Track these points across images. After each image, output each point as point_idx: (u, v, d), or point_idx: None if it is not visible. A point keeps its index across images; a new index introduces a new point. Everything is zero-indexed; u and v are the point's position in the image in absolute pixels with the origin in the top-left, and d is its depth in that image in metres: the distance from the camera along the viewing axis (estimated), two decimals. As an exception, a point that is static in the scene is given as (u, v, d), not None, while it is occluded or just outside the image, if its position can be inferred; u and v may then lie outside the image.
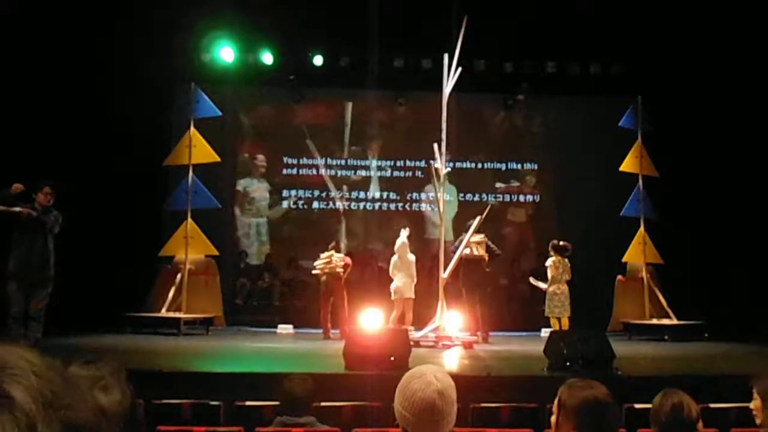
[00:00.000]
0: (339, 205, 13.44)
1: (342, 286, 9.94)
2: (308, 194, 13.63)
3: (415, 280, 9.83)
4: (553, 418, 2.45)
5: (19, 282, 6.63)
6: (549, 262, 9.38)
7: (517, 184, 13.82)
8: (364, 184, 13.72)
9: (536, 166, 13.85)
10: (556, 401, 2.42)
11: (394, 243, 10.03)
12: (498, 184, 13.73)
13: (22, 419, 0.61)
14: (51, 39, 9.59)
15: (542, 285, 9.50)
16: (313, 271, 10.14)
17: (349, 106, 13.64)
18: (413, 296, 9.71)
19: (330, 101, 13.76)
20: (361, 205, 13.65)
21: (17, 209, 6.59)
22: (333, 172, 13.63)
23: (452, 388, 2.00)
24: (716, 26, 10.40)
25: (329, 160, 13.69)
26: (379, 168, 13.71)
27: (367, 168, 13.73)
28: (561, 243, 9.41)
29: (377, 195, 13.63)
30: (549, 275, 9.37)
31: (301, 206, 13.60)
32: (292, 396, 3.81)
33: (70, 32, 9.83)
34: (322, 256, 10.04)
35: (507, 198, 13.74)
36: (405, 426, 1.98)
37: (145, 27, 10.23)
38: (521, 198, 13.80)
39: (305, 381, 3.92)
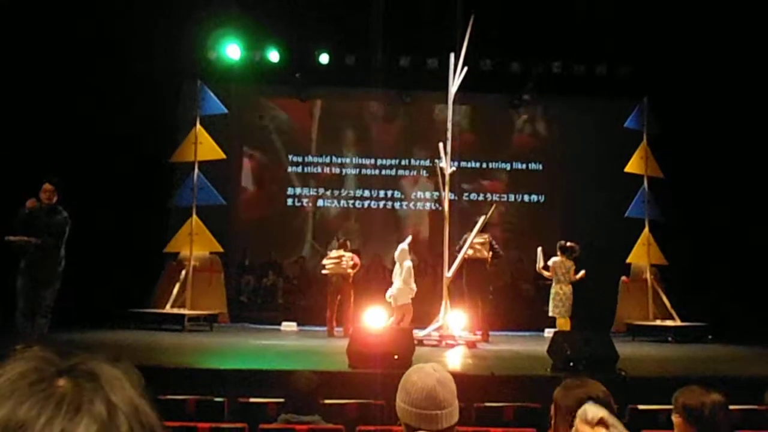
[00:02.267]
0: (305, 202, 13.45)
1: (350, 285, 9.94)
2: (312, 192, 13.67)
3: (414, 288, 9.41)
4: (552, 421, 2.44)
5: (28, 279, 6.73)
6: (550, 262, 9.36)
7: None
8: (362, 181, 13.72)
9: (541, 167, 13.84)
10: (552, 403, 2.41)
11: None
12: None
13: (123, 421, 0.64)
14: (56, 36, 9.61)
15: (546, 273, 9.41)
16: (323, 271, 10.11)
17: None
18: (408, 302, 9.36)
19: (335, 99, 13.78)
20: (365, 203, 13.67)
21: (28, 239, 6.68)
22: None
23: (451, 380, 2.01)
24: (722, 27, 10.37)
25: (334, 159, 13.73)
26: (375, 166, 13.73)
27: (363, 166, 13.76)
28: (568, 244, 9.39)
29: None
30: (548, 274, 9.36)
31: (305, 204, 13.63)
32: (298, 393, 3.80)
33: (76, 29, 9.85)
34: (332, 254, 10.00)
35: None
36: (408, 421, 1.98)
37: (151, 24, 10.25)
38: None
39: (311, 378, 3.91)
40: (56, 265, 6.78)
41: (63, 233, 6.81)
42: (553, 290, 9.30)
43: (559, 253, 9.37)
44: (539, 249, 9.46)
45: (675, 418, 2.87)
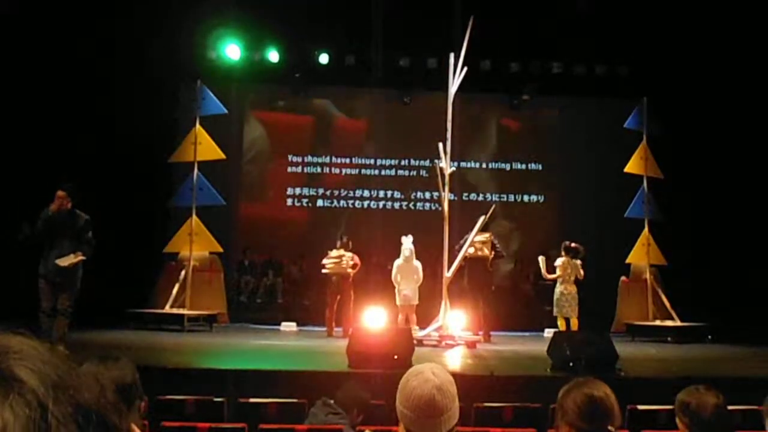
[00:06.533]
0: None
1: (350, 285, 9.94)
2: (312, 192, 13.66)
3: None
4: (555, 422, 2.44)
5: (49, 282, 6.83)
6: (558, 262, 9.36)
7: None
8: (362, 181, 13.71)
9: (541, 167, 13.84)
10: (557, 405, 2.40)
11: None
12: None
13: (32, 400, 0.61)
14: (55, 37, 9.60)
15: (552, 276, 9.41)
16: (323, 270, 10.10)
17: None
18: (417, 302, 9.65)
19: (335, 99, 13.78)
20: (364, 203, 13.66)
21: (81, 257, 6.86)
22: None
23: (451, 384, 1.99)
24: (722, 27, 10.38)
25: (334, 159, 13.73)
26: (375, 166, 13.73)
27: (369, 167, 13.76)
28: (572, 244, 9.38)
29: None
30: (557, 275, 9.34)
31: (305, 204, 13.63)
32: (347, 396, 3.96)
33: (75, 30, 9.84)
34: (332, 254, 10.00)
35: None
36: (407, 424, 1.97)
37: (151, 24, 10.25)
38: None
39: (364, 395, 4.11)
40: (75, 269, 6.90)
41: (89, 243, 6.94)
42: (557, 290, 9.29)
43: (563, 253, 9.37)
44: (540, 257, 9.49)
45: (677, 420, 2.88)
